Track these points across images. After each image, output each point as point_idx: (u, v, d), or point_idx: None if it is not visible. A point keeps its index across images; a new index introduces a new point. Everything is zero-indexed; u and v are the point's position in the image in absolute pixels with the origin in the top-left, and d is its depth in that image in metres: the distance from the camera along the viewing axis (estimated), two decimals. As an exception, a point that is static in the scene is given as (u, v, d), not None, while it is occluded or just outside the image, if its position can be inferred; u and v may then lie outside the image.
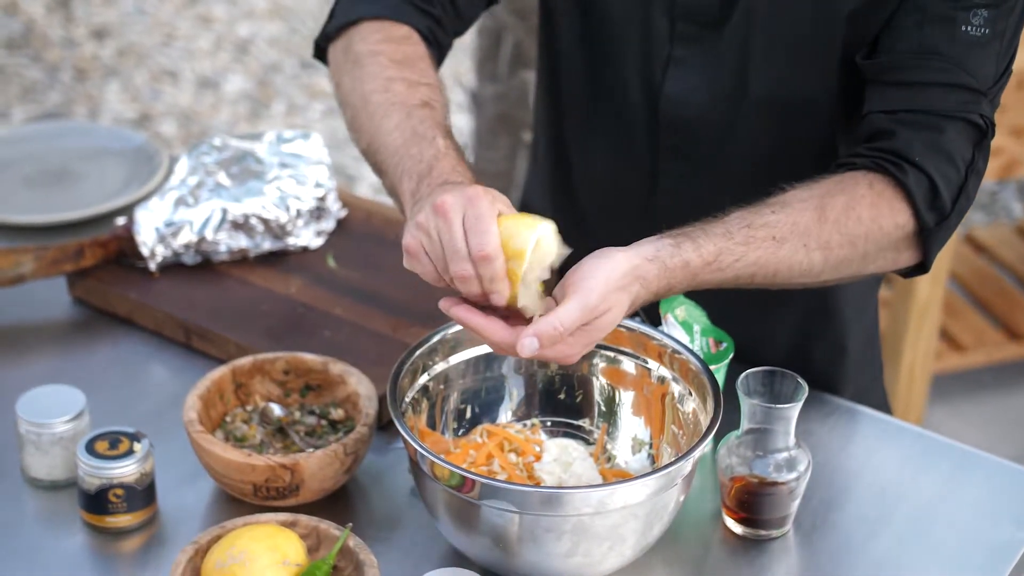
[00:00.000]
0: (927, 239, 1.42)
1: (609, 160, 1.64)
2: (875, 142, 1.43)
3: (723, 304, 1.52)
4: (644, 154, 1.60)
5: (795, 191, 1.40)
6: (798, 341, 1.66)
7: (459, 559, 1.37)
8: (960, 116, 1.41)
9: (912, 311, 2.83)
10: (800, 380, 1.39)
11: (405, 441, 1.32)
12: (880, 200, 1.40)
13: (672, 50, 1.53)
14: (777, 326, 1.65)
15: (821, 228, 1.37)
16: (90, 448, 1.40)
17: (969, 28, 1.41)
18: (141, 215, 1.75)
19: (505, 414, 1.49)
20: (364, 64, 1.49)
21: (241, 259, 1.78)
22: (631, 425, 1.47)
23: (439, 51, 1.58)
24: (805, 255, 1.37)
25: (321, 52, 1.59)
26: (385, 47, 1.51)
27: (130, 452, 1.40)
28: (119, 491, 1.40)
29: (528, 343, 1.25)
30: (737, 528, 1.43)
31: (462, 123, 4.15)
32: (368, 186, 3.92)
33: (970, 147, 1.42)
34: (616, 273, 1.28)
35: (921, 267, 1.45)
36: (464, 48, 3.74)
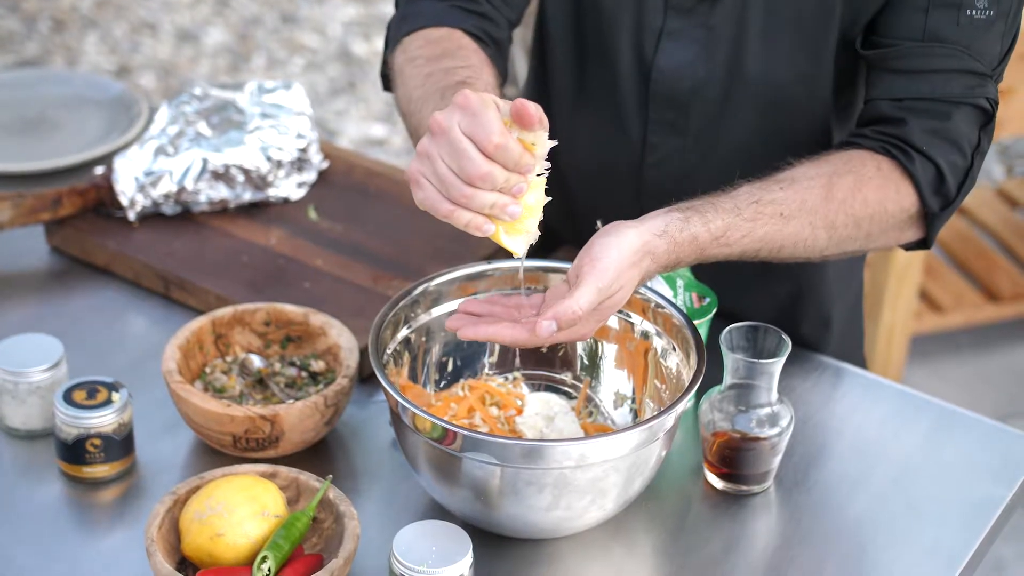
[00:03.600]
0: (931, 220, 1.44)
1: (598, 132, 1.62)
2: (881, 126, 1.44)
3: (708, 277, 1.51)
4: (634, 127, 1.58)
5: (803, 167, 1.40)
6: (783, 312, 1.65)
7: (440, 512, 1.37)
8: (967, 101, 1.42)
9: (892, 272, 2.83)
10: (783, 335, 1.39)
11: (386, 393, 1.31)
12: (887, 183, 1.41)
13: (665, 22, 1.51)
14: (761, 297, 1.65)
15: (828, 207, 1.38)
16: (68, 397, 1.39)
17: (974, 11, 1.40)
18: (120, 164, 1.73)
19: (487, 367, 1.48)
20: (404, 72, 1.48)
21: (221, 210, 1.77)
22: (614, 379, 1.46)
23: (496, 47, 1.54)
24: (811, 232, 1.38)
25: (388, 83, 1.56)
26: (422, 51, 1.48)
27: (108, 402, 1.39)
28: (97, 441, 1.39)
29: (547, 326, 1.24)
30: (718, 483, 1.42)
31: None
32: (348, 141, 3.90)
33: (976, 131, 1.43)
34: (628, 251, 1.27)
35: (923, 243, 1.47)
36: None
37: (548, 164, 1.24)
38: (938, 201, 1.43)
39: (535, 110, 1.20)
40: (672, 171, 1.57)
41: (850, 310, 1.73)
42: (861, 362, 1.76)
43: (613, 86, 1.57)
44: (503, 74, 1.54)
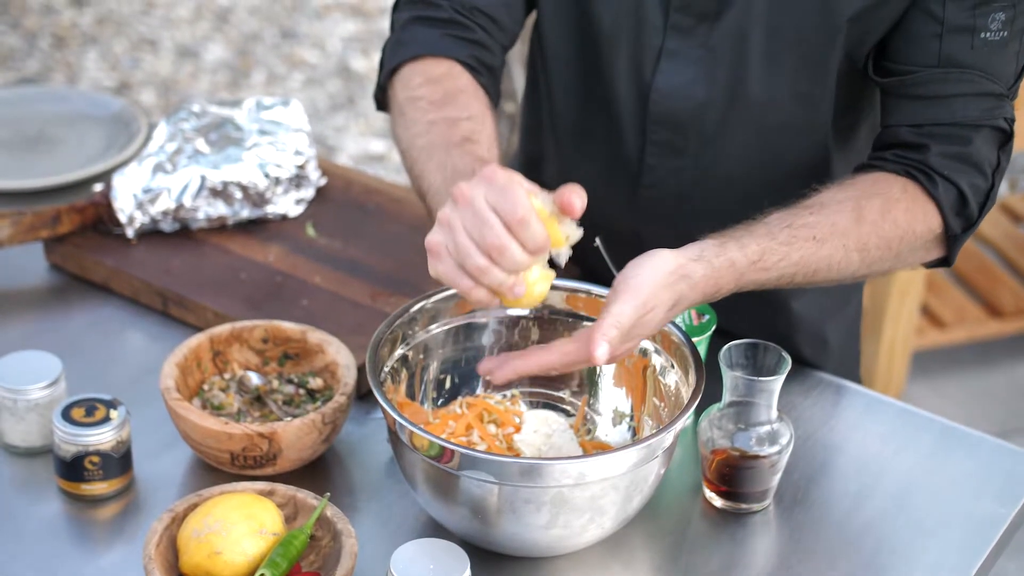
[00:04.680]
0: (953, 241, 1.46)
1: (594, 151, 1.61)
2: (901, 151, 1.45)
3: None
4: (632, 148, 1.56)
5: (830, 192, 1.41)
6: (777, 331, 1.64)
7: (437, 530, 1.36)
8: (986, 124, 1.44)
9: (894, 287, 2.82)
10: (783, 353, 1.38)
11: (384, 411, 1.30)
12: (915, 205, 1.43)
13: (665, 42, 1.50)
14: (755, 317, 1.64)
15: (860, 229, 1.39)
16: (66, 415, 1.39)
17: (988, 34, 1.41)
18: (119, 181, 1.73)
19: (485, 385, 1.48)
20: (406, 112, 1.47)
21: (219, 227, 1.77)
22: (612, 397, 1.46)
23: (489, 74, 1.54)
24: (844, 255, 1.39)
25: (382, 105, 1.56)
26: (424, 90, 1.47)
27: (106, 419, 1.39)
28: (95, 458, 1.38)
29: (602, 351, 1.23)
30: (718, 501, 1.42)
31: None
32: (347, 157, 3.90)
33: (996, 152, 1.45)
34: (662, 272, 1.27)
35: (944, 261, 1.49)
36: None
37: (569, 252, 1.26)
38: (960, 223, 1.45)
39: (580, 201, 1.23)
40: (669, 192, 1.57)
41: (847, 330, 1.72)
42: (857, 381, 1.75)
43: (610, 105, 1.56)
44: (496, 101, 1.54)
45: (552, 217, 1.24)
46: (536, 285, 1.25)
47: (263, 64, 4.32)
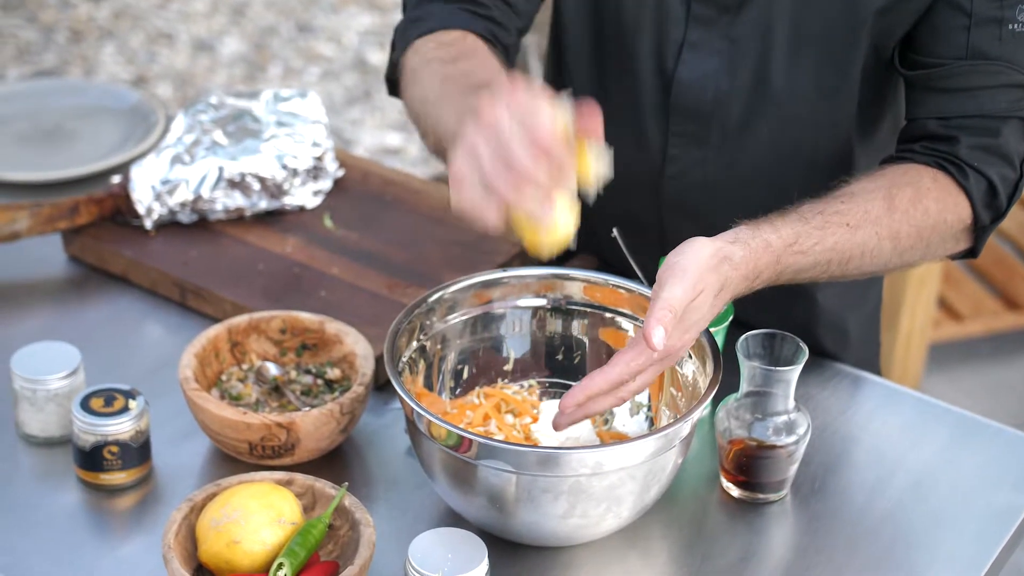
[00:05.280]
0: (981, 232, 1.46)
1: (618, 142, 1.56)
2: (930, 143, 1.45)
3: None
4: (655, 138, 1.56)
5: (860, 182, 1.41)
6: (797, 322, 1.63)
7: (455, 519, 1.36)
8: (1014, 116, 1.43)
9: (910, 280, 2.82)
10: (800, 343, 1.38)
11: (402, 401, 1.31)
12: (946, 195, 1.43)
13: (687, 33, 1.50)
14: (775, 308, 1.63)
15: (891, 217, 1.39)
16: (85, 405, 1.39)
17: (1015, 25, 1.41)
18: (137, 173, 1.73)
19: (503, 375, 1.48)
20: (419, 74, 1.45)
21: (237, 218, 1.77)
22: (629, 387, 1.46)
23: (504, 51, 1.53)
24: (877, 243, 1.39)
25: (394, 87, 1.54)
26: (437, 53, 1.46)
27: (125, 409, 1.39)
28: (114, 448, 1.39)
29: (658, 334, 1.22)
30: (735, 491, 1.42)
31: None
32: (364, 150, 3.90)
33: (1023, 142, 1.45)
34: (704, 255, 1.27)
35: (971, 252, 1.49)
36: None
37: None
38: (989, 214, 1.45)
39: (596, 121, 1.19)
40: (693, 183, 1.57)
41: (868, 322, 1.72)
42: (877, 372, 1.75)
43: (633, 96, 1.56)
44: None
45: (581, 141, 1.19)
46: (561, 221, 1.19)
47: (279, 58, 4.32)
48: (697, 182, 1.56)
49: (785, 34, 1.47)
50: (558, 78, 1.65)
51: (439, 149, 1.38)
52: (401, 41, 1.51)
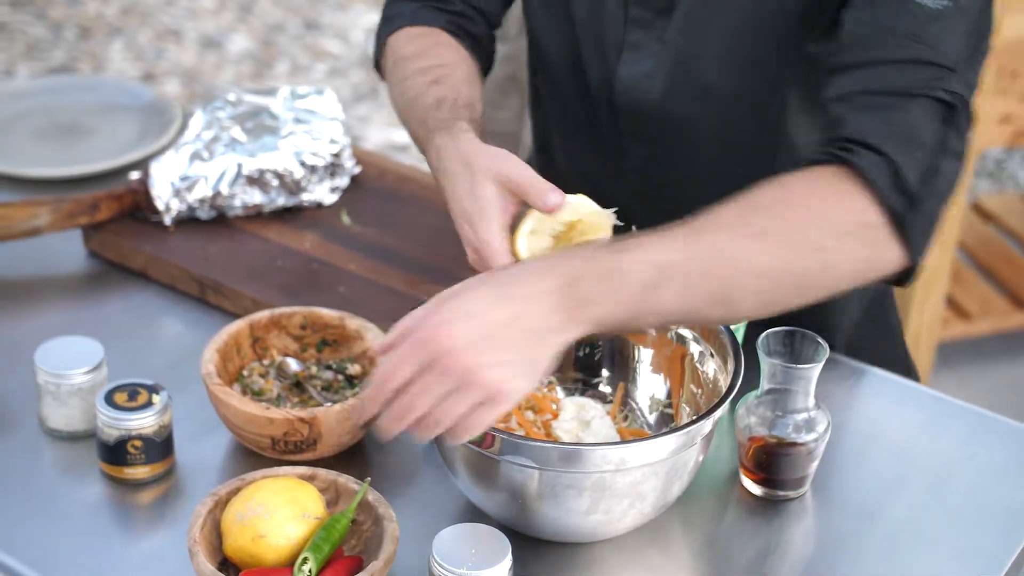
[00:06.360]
0: (905, 229, 1.25)
1: (582, 137, 1.65)
2: (831, 131, 1.31)
3: None
4: (610, 136, 1.61)
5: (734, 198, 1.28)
6: (818, 321, 1.63)
7: (476, 515, 1.37)
8: (923, 93, 1.28)
9: (919, 279, 2.82)
10: (820, 340, 1.39)
11: (425, 396, 1.31)
12: (824, 186, 1.25)
13: (626, 36, 1.53)
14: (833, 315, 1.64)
15: (752, 215, 1.23)
16: (109, 399, 1.40)
17: (925, 0, 1.31)
18: (156, 169, 1.74)
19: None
20: (392, 79, 1.57)
21: (256, 214, 1.78)
22: (649, 383, 1.46)
23: (471, 40, 1.61)
24: (740, 244, 1.22)
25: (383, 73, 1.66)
26: (404, 49, 1.57)
27: (149, 404, 1.40)
28: (137, 443, 1.39)
29: (381, 344, 1.22)
30: (755, 488, 1.43)
31: (467, 85, 4.13)
32: (371, 147, 3.91)
33: (938, 125, 1.28)
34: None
35: (909, 272, 1.29)
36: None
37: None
38: (901, 200, 1.24)
39: (554, 198, 1.30)
40: (651, 175, 1.59)
41: (867, 311, 1.69)
42: (902, 363, 1.73)
43: (587, 97, 1.60)
44: (487, 66, 1.63)
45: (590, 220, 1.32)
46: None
47: (286, 55, 4.33)
48: (655, 175, 1.58)
49: (716, 34, 1.47)
50: (535, 74, 1.72)
51: (418, 145, 1.50)
52: (378, 42, 1.63)
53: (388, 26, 1.62)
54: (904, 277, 1.30)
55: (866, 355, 1.65)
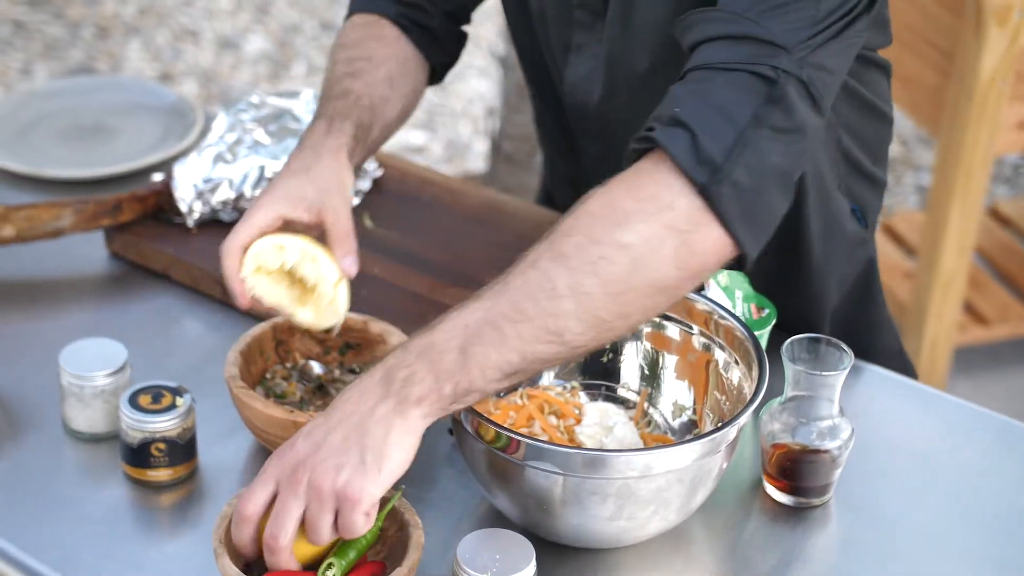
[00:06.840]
0: (712, 200, 1.21)
1: (550, 140, 1.74)
2: (659, 110, 1.29)
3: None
4: (567, 136, 1.66)
5: None
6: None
7: (499, 520, 1.37)
8: (743, 68, 1.25)
9: (936, 284, 2.82)
10: (845, 348, 1.39)
11: (450, 401, 1.31)
12: (641, 180, 1.24)
13: (572, 37, 1.56)
14: (815, 303, 1.64)
15: (560, 239, 1.23)
16: (133, 401, 1.40)
17: None
18: (179, 171, 1.74)
19: (545, 376, 1.48)
20: (328, 60, 1.64)
21: (278, 217, 1.77)
22: (673, 390, 1.46)
23: (423, 33, 1.64)
24: (540, 276, 1.22)
25: None
26: (344, 37, 1.64)
27: (172, 406, 1.40)
28: (161, 445, 1.40)
29: None
30: (778, 496, 1.42)
31: (485, 87, 4.14)
32: (386, 147, 3.91)
33: (753, 98, 1.24)
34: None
35: (742, 259, 1.26)
36: (489, 13, 3.72)
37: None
38: (702, 170, 1.21)
39: (346, 263, 1.46)
40: (607, 175, 1.58)
41: (849, 298, 1.67)
42: (900, 362, 1.73)
43: (550, 95, 1.66)
44: (446, 60, 1.67)
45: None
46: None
47: (303, 55, 4.33)
48: (615, 170, 1.58)
49: (645, 35, 1.48)
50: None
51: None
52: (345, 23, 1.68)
53: (348, 9, 1.68)
54: (742, 260, 1.26)
55: (854, 342, 1.64)
